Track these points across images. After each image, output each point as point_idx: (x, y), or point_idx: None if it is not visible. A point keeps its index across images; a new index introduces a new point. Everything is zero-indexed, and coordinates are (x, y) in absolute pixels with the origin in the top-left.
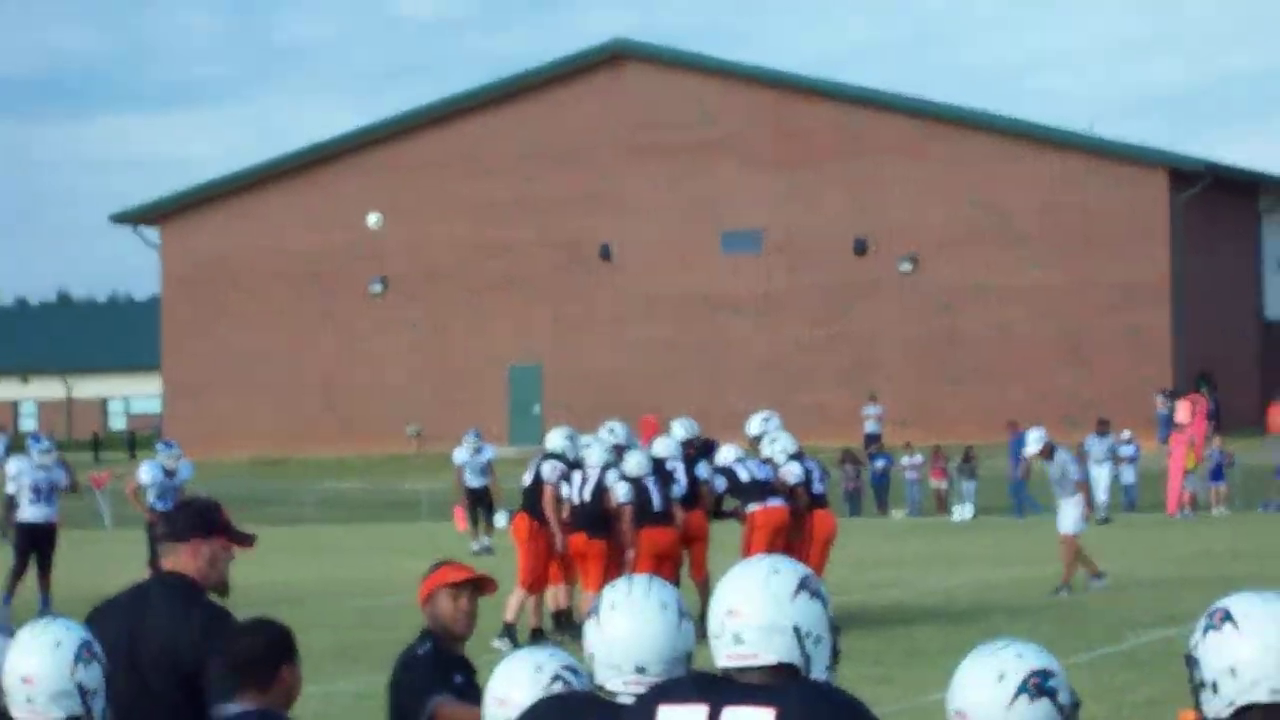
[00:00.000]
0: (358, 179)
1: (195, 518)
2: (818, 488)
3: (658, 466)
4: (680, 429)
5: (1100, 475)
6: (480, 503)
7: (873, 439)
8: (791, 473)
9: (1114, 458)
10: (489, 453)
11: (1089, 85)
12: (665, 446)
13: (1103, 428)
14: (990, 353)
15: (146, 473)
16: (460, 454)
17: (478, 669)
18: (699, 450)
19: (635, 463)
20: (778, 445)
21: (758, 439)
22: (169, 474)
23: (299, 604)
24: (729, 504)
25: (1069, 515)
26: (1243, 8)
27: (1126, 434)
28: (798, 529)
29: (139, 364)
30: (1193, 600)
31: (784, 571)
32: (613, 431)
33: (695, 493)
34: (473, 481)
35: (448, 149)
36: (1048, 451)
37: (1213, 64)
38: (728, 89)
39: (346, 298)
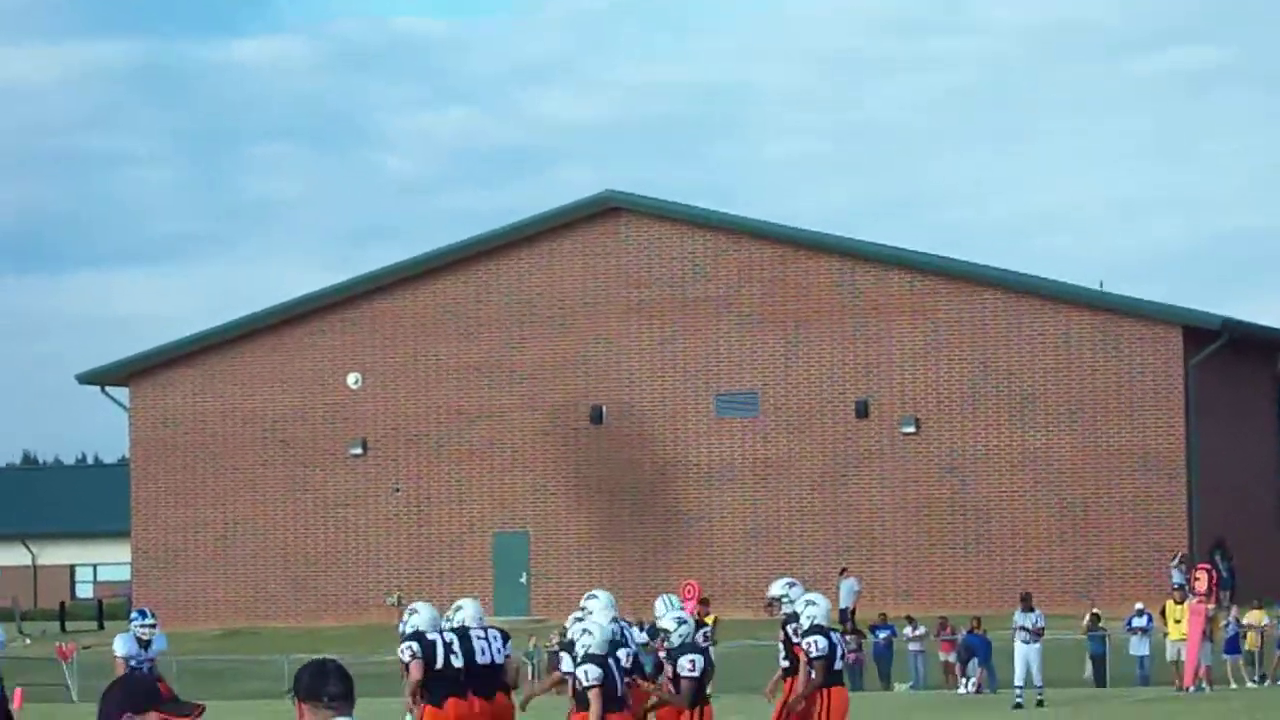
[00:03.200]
0: (335, 338)
1: (124, 696)
2: (839, 664)
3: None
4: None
5: (1024, 653)
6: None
7: (847, 615)
8: (815, 646)
9: (1033, 631)
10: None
11: (1098, 243)
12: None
13: (1026, 603)
14: (996, 519)
15: (122, 645)
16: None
17: None
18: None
19: (684, 632)
20: (807, 613)
21: (776, 601)
22: (143, 645)
23: None
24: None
25: None
26: (1257, 164)
27: (1139, 605)
28: (811, 704)
29: (107, 530)
30: None
31: None
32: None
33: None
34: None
35: (430, 307)
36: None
37: (1225, 221)
38: (723, 244)
39: (324, 461)
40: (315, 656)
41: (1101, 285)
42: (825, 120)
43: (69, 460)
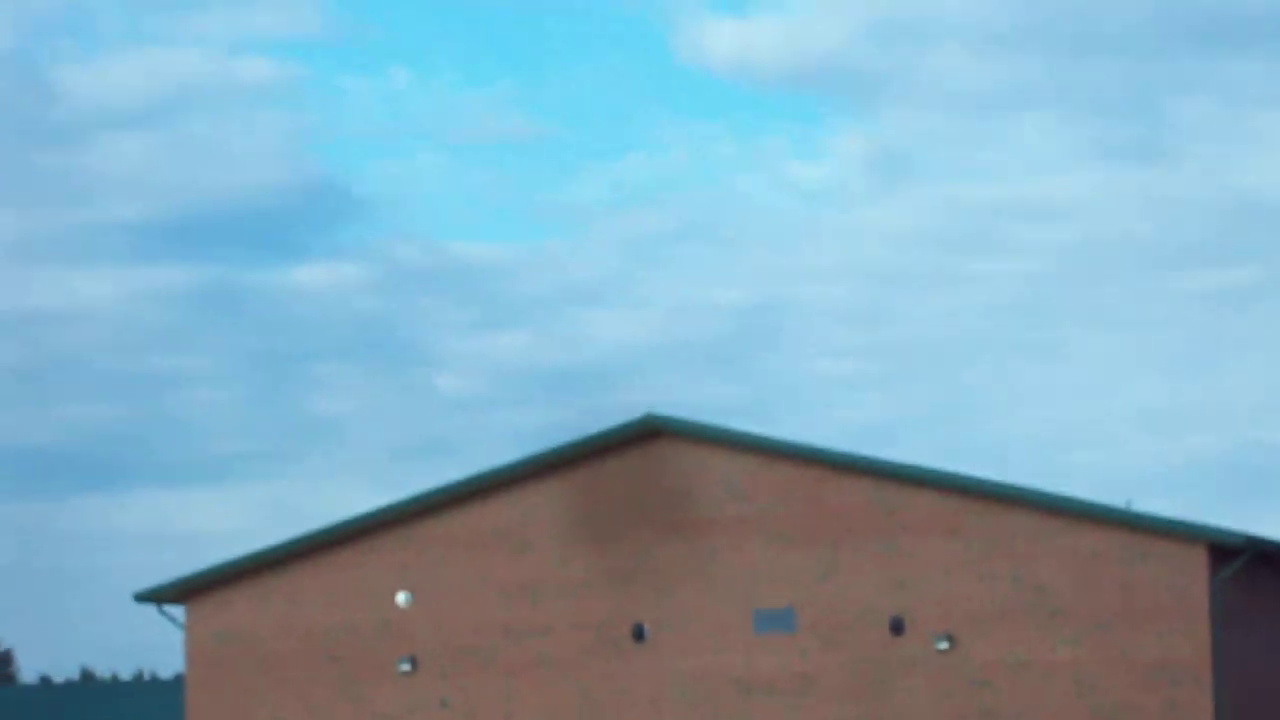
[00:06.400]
0: (386, 557)
1: None
2: None
3: None
4: None
5: None
6: None
7: None
8: None
9: None
10: None
11: (1126, 458)
12: None
13: None
14: None
15: None
16: None
17: None
18: None
19: None
20: None
21: None
22: None
23: None
24: None
25: None
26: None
27: None
28: None
29: None
30: None
31: None
32: None
33: None
34: None
35: (478, 527)
36: None
37: (1251, 435)
38: (760, 465)
39: (374, 677)
40: None
41: (1129, 503)
42: (862, 338)
43: (126, 676)
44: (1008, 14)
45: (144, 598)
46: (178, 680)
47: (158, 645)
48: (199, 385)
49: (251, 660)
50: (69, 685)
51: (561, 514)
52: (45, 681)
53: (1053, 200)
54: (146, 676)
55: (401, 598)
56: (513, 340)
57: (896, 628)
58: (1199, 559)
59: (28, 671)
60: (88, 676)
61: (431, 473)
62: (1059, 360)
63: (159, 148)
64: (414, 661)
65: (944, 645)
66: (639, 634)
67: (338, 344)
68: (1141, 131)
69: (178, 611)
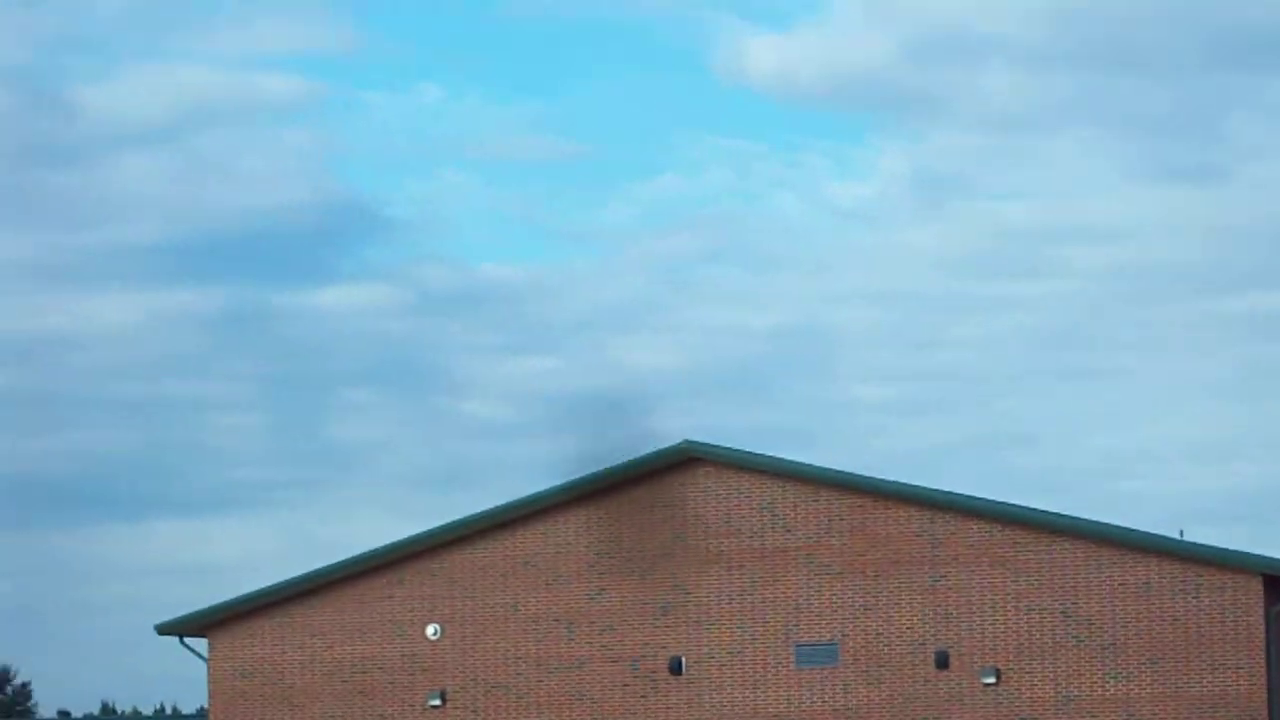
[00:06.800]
0: (414, 589)
1: None
2: None
3: None
4: None
5: None
6: None
7: None
8: None
9: None
10: None
11: (1178, 487)
12: None
13: None
14: None
15: None
16: None
17: None
18: None
19: None
20: None
21: None
22: None
23: None
24: None
25: None
26: None
27: None
28: None
29: None
30: None
31: None
32: None
33: None
34: None
35: (509, 557)
36: None
37: None
38: (802, 494)
39: (403, 712)
40: None
41: (1182, 533)
42: (905, 362)
43: (147, 710)
44: (1053, 31)
45: (166, 630)
46: (200, 715)
47: (180, 678)
48: (220, 411)
49: (275, 694)
50: None
51: (595, 544)
52: (64, 716)
53: (1100, 222)
54: (168, 711)
55: (430, 630)
56: (542, 365)
57: (941, 662)
58: (1254, 590)
59: (46, 706)
60: (108, 711)
61: (460, 502)
62: (1108, 387)
63: (178, 166)
64: (443, 696)
65: (990, 680)
66: (676, 667)
67: (362, 369)
68: (1192, 151)
69: (200, 644)
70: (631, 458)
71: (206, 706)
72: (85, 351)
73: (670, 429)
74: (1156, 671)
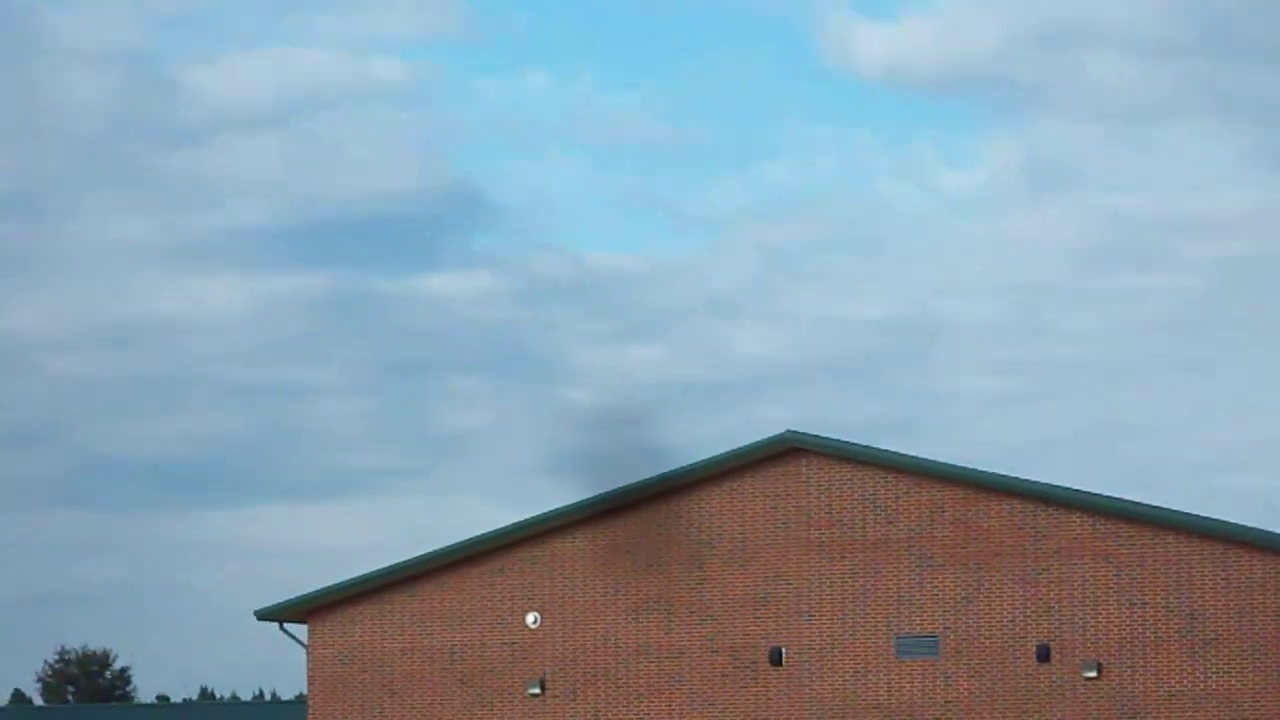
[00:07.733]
0: (514, 577)
1: None
2: None
3: None
4: None
5: None
6: None
7: None
8: None
9: None
10: None
11: None
12: None
13: None
14: None
15: None
16: None
17: None
18: None
19: None
20: None
21: None
22: None
23: None
24: None
25: None
26: None
27: None
28: None
29: None
30: None
31: None
32: None
33: None
34: None
35: (610, 546)
36: None
37: None
38: (905, 486)
39: (502, 700)
40: None
41: None
42: (1012, 354)
43: (246, 696)
44: (1167, 20)
45: (266, 616)
46: (299, 701)
47: (279, 664)
48: (326, 397)
49: (375, 681)
50: (187, 705)
51: (696, 532)
52: (163, 701)
53: (1213, 213)
54: (267, 696)
55: (530, 618)
56: (648, 353)
57: (1043, 655)
58: None
59: (145, 691)
60: (207, 696)
61: (562, 491)
62: (1217, 380)
63: (288, 150)
64: (542, 684)
65: (1092, 673)
66: (776, 658)
67: (469, 355)
68: None
69: (300, 630)
70: (734, 448)
71: (305, 693)
72: (194, 336)
73: (777, 419)
74: (1260, 666)
